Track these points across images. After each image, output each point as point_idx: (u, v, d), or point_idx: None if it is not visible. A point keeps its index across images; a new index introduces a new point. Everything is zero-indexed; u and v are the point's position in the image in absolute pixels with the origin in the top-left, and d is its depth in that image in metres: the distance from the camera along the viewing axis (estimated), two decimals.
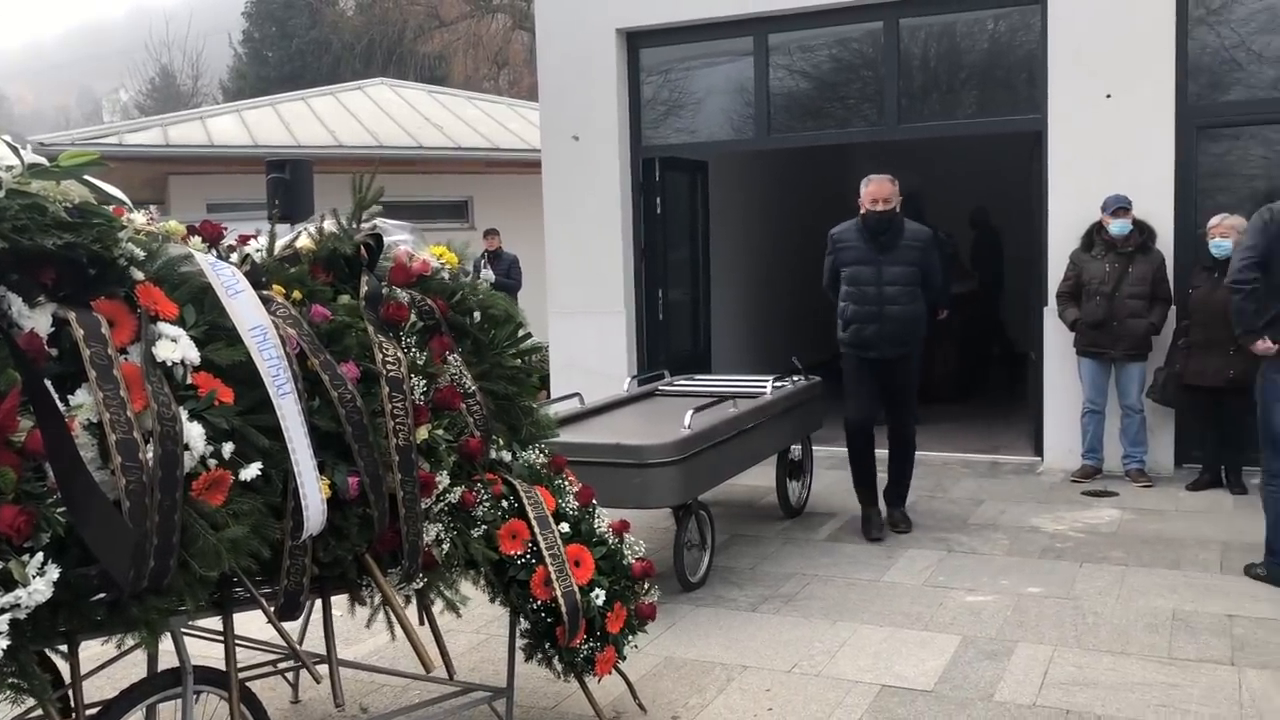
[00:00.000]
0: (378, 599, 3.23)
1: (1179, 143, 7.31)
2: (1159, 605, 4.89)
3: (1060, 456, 7.68)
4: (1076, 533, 6.11)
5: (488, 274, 11.99)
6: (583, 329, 9.04)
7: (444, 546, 3.25)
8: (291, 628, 3.34)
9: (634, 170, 9.07)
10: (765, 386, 6.25)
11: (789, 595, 5.21)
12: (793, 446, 6.59)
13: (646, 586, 3.78)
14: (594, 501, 3.76)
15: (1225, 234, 6.63)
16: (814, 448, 7.02)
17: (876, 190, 5.93)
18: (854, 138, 8.89)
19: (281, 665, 3.92)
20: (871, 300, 5.96)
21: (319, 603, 3.19)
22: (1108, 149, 7.44)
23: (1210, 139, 7.56)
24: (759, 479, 6.90)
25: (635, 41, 9.03)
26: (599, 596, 3.55)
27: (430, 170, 15.53)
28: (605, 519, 3.75)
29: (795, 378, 6.69)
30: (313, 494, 2.76)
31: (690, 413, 5.23)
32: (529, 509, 3.49)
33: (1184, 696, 3.95)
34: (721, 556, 5.78)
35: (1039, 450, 7.96)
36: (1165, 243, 7.25)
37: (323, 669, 3.15)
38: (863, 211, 6.04)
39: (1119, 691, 4.01)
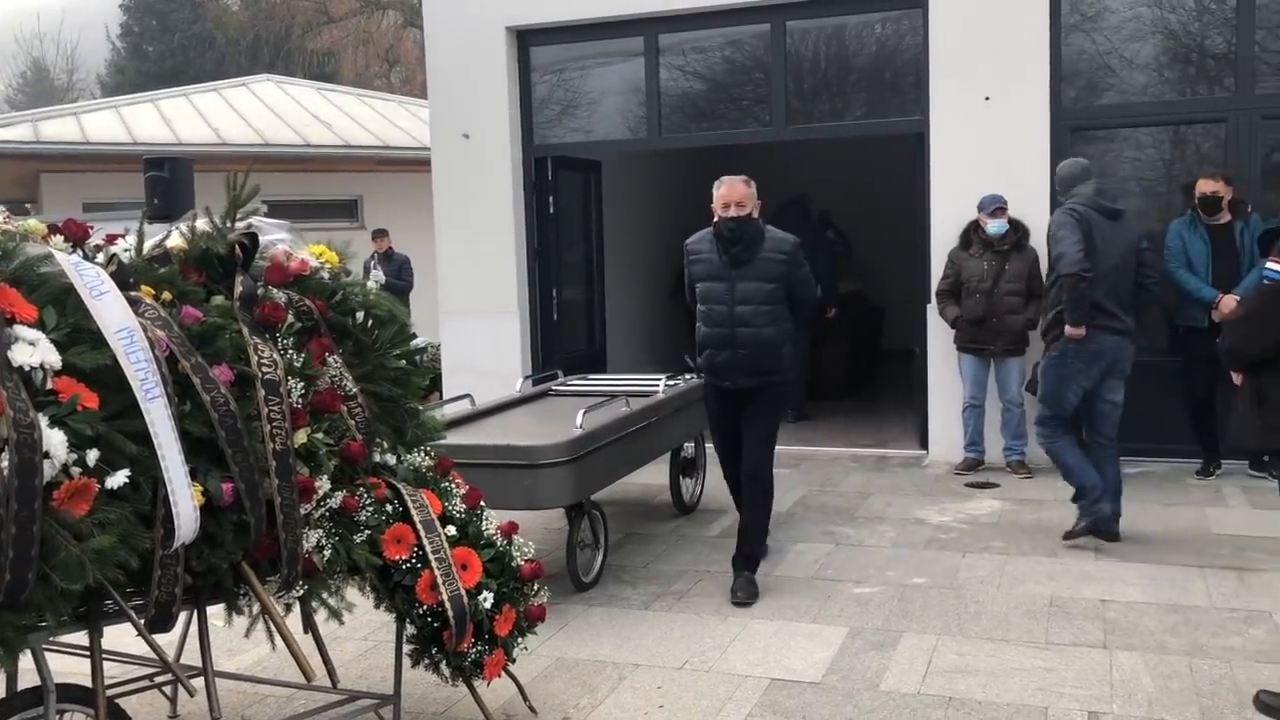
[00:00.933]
0: (256, 608, 3.15)
1: (1053, 144, 7.56)
2: (1037, 592, 5.05)
3: (944, 450, 7.88)
4: (960, 524, 6.28)
5: (378, 275, 11.79)
6: (475, 329, 8.96)
7: (325, 553, 3.18)
8: (170, 639, 3.23)
9: (526, 169, 9.02)
10: (658, 385, 6.27)
11: (681, 592, 5.24)
12: (685, 445, 6.62)
13: (536, 588, 3.76)
14: (482, 503, 3.72)
15: None
16: (706, 445, 7.06)
17: (728, 193, 5.10)
18: (744, 138, 8.98)
19: (158, 679, 3.79)
20: (723, 321, 5.14)
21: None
22: (986, 150, 7.66)
23: (1084, 141, 7.85)
24: (653, 477, 6.93)
25: (526, 40, 8.98)
26: (487, 599, 3.51)
27: (319, 169, 15.23)
28: (493, 521, 3.72)
29: (688, 376, 6.72)
30: (184, 501, 2.67)
31: (582, 412, 5.22)
32: (414, 512, 3.44)
33: (1059, 680, 4.09)
34: (615, 556, 5.78)
35: (924, 444, 8.15)
36: (1038, 240, 7.47)
37: (198, 682, 3.05)
38: (715, 219, 5.22)
39: (999, 677, 4.13)
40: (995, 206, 7.33)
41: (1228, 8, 7.44)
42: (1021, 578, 5.26)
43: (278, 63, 27.50)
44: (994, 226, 7.32)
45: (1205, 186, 6.85)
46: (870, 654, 4.39)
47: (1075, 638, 4.49)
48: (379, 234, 12.33)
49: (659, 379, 6.38)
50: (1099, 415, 5.84)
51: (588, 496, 5.28)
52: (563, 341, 9.31)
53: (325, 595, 3.33)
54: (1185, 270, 6.90)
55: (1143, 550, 5.62)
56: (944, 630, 4.62)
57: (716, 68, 8.84)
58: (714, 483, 7.20)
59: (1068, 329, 5.56)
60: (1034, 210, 7.51)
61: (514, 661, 3.70)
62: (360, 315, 3.62)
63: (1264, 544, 5.57)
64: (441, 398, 8.16)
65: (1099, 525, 5.64)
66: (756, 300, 5.08)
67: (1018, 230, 7.41)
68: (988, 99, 7.61)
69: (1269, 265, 3.73)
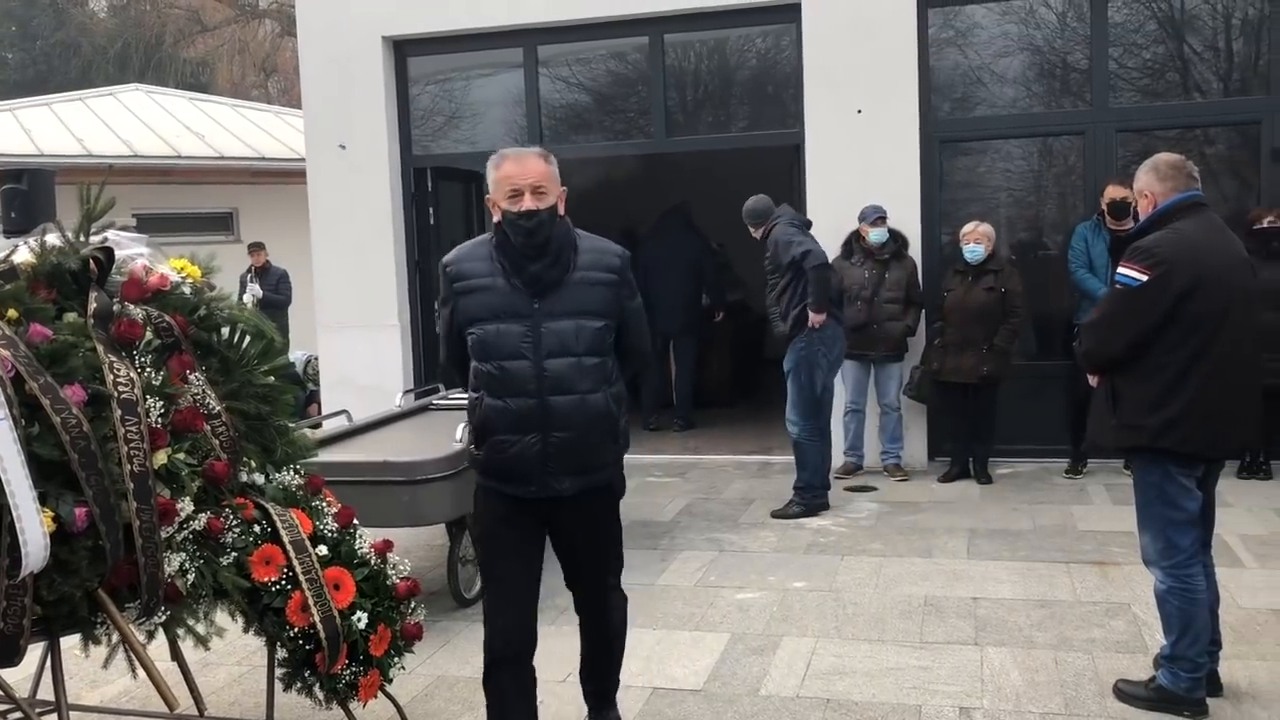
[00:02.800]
0: (116, 637, 3.03)
1: (923, 156, 7.79)
2: (912, 592, 5.18)
3: None
4: (839, 527, 6.40)
5: (254, 289, 11.51)
6: (355, 343, 8.80)
7: (189, 576, 3.08)
8: (27, 672, 3.09)
9: (405, 180, 8.91)
10: None
11: (565, 605, 5.16)
12: None
13: (412, 606, 3.70)
14: (355, 522, 3.66)
15: (979, 240, 7.12)
16: None
17: (517, 171, 3.15)
18: (625, 150, 9.04)
19: (11, 717, 3.61)
20: (520, 386, 3.16)
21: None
22: (861, 161, 7.84)
23: (956, 153, 8.12)
24: None
25: (403, 50, 8.88)
26: (361, 619, 3.45)
27: (191, 180, 14.77)
28: (367, 539, 3.65)
29: None
30: (32, 528, 2.56)
31: (462, 426, 5.16)
32: (283, 533, 3.36)
33: (933, 677, 4.19)
34: None
35: None
36: (915, 249, 7.69)
37: (52, 718, 2.92)
38: (495, 219, 3.28)
39: (875, 677, 4.21)
40: (876, 216, 7.50)
41: (1085, 25, 7.78)
42: (897, 579, 5.39)
43: (148, 72, 26.61)
44: (875, 235, 7.49)
45: (1115, 192, 7.08)
46: (751, 659, 4.44)
47: (948, 636, 4.61)
48: (255, 248, 12.03)
49: None
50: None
51: (469, 511, 5.21)
52: None
53: (190, 621, 3.23)
54: (1086, 271, 7.17)
55: (1012, 548, 5.81)
56: (823, 633, 4.70)
57: (598, 79, 8.87)
58: None
59: (813, 316, 6.48)
60: (907, 220, 7.72)
61: (391, 682, 3.63)
62: (226, 331, 3.53)
63: (1125, 539, 5.79)
64: (320, 413, 8.00)
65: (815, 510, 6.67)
66: (577, 348, 3.17)
67: (897, 239, 7.60)
68: (860, 112, 7.80)
69: (1120, 270, 3.89)
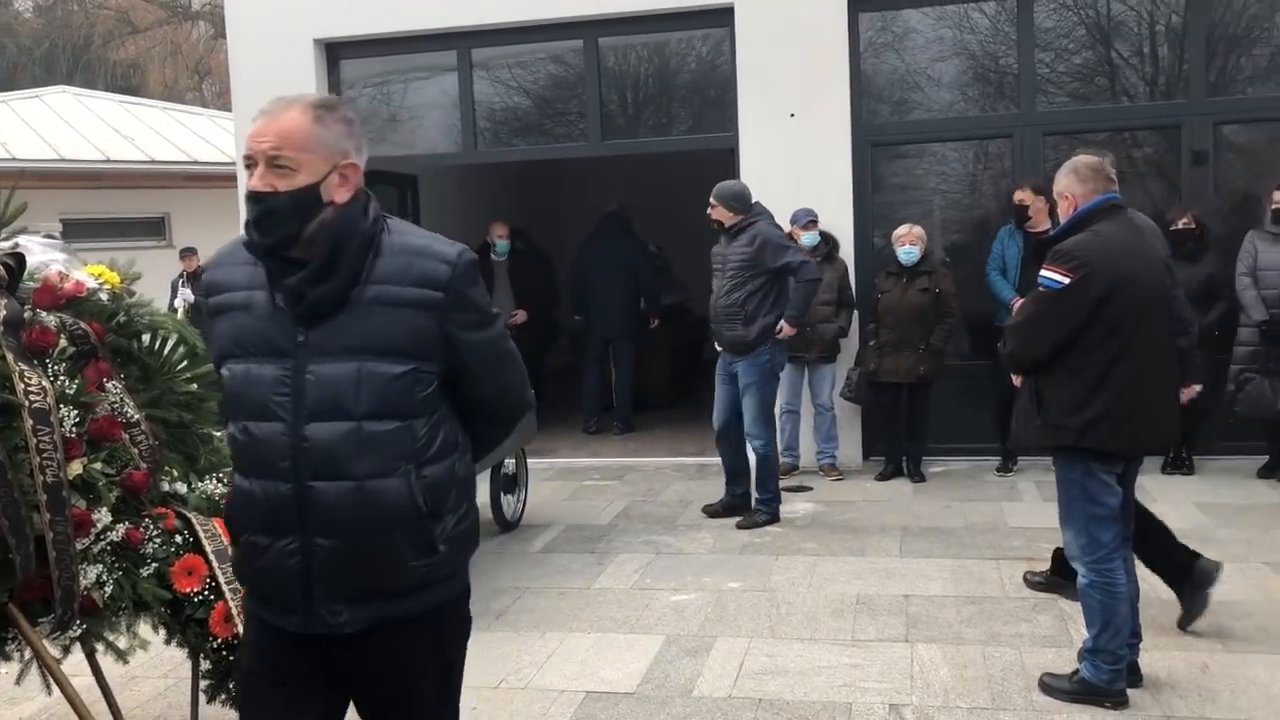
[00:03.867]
0: (29, 652, 2.96)
1: (854, 159, 7.87)
2: (845, 591, 5.22)
3: None
4: (775, 527, 6.44)
5: (186, 293, 11.33)
6: None
7: (106, 589, 3.02)
8: None
9: None
10: None
11: (500, 610, 5.19)
12: (506, 461, 6.57)
13: None
14: None
15: (913, 242, 7.21)
16: (529, 460, 7.04)
17: (255, 130, 2.20)
18: (561, 153, 9.04)
19: None
20: (269, 463, 2.17)
21: None
22: (794, 165, 7.90)
23: (893, 155, 8.22)
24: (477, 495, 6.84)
25: (335, 53, 8.79)
26: None
27: (122, 185, 14.49)
28: None
29: None
30: None
31: None
32: (205, 542, 3.30)
33: (864, 675, 4.24)
34: None
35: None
36: (846, 252, 7.77)
37: None
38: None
39: (807, 676, 4.25)
40: (808, 219, 7.56)
41: (1013, 30, 7.91)
42: (831, 577, 5.43)
43: (77, 74, 26.05)
44: (808, 238, 7.55)
45: (1016, 196, 7.23)
46: (685, 660, 4.45)
47: (879, 633, 4.66)
48: (187, 253, 11.83)
49: None
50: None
51: None
52: None
53: (109, 634, 3.17)
54: (998, 274, 7.28)
55: (944, 545, 5.89)
56: (756, 633, 4.72)
57: (533, 82, 8.85)
58: (538, 498, 7.21)
59: (788, 328, 6.46)
60: (839, 223, 7.79)
61: None
62: (147, 338, 3.47)
63: (1053, 535, 5.82)
64: None
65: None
66: (356, 407, 2.14)
67: (828, 242, 7.67)
68: (793, 115, 7.86)
69: (1043, 273, 3.96)
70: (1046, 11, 7.93)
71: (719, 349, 6.64)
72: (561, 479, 7.98)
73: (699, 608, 5.08)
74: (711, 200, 6.44)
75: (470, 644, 4.49)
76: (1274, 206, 6.84)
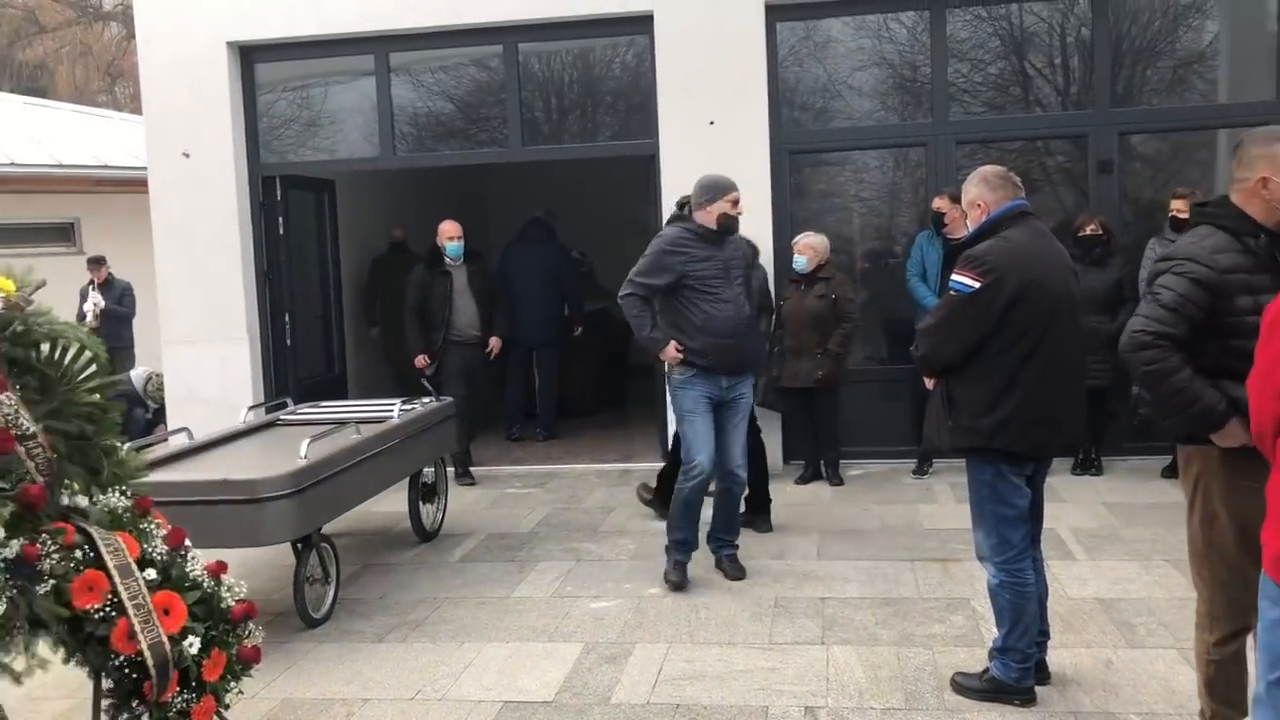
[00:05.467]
0: None
1: (774, 167, 7.95)
2: (763, 594, 5.26)
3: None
4: None
5: (96, 297, 11.02)
6: (202, 358, 8.49)
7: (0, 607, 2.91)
8: None
9: (253, 189, 8.66)
10: (392, 410, 6.14)
11: (418, 621, 5.13)
12: (425, 470, 6.51)
13: (249, 628, 3.58)
14: (187, 543, 3.52)
15: (803, 251, 7.32)
16: (448, 469, 6.98)
17: None
18: (480, 159, 8.98)
19: None
20: None
21: None
22: (714, 171, 7.91)
23: (816, 162, 8.31)
24: (393, 505, 6.79)
25: (249, 56, 8.63)
26: (193, 645, 3.31)
27: (27, 189, 14.04)
28: (200, 561, 3.52)
29: (426, 399, 6.63)
30: None
31: (307, 441, 5.04)
32: (107, 557, 3.20)
33: (780, 678, 4.27)
34: (350, 588, 5.61)
35: (665, 456, 8.32)
36: (766, 259, 7.83)
37: None
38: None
39: (725, 680, 4.27)
40: None
41: (929, 40, 8.05)
42: (750, 581, 5.47)
43: None
44: None
45: (934, 203, 7.38)
46: (604, 668, 4.45)
47: (796, 636, 4.70)
48: (94, 263, 11.43)
49: (394, 403, 6.25)
50: None
51: (315, 529, 5.09)
52: (298, 368, 8.98)
53: (3, 655, 3.05)
54: (918, 279, 7.40)
55: (860, 547, 5.96)
56: (675, 639, 4.74)
57: (453, 87, 8.78)
58: (458, 507, 7.15)
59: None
60: (760, 229, 7.84)
61: (228, 708, 3.50)
62: (47, 347, 3.36)
63: (967, 536, 5.93)
64: (166, 430, 7.71)
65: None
66: None
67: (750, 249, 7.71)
68: (712, 123, 7.91)
69: (954, 277, 4.03)
70: (961, 23, 8.09)
71: (718, 372, 5.40)
72: (483, 487, 7.93)
73: (619, 615, 5.08)
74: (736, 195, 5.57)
75: (385, 655, 4.45)
76: (1172, 214, 7.05)
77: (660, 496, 6.64)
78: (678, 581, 5.39)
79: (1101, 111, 7.91)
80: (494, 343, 8.24)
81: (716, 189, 5.48)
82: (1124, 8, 7.99)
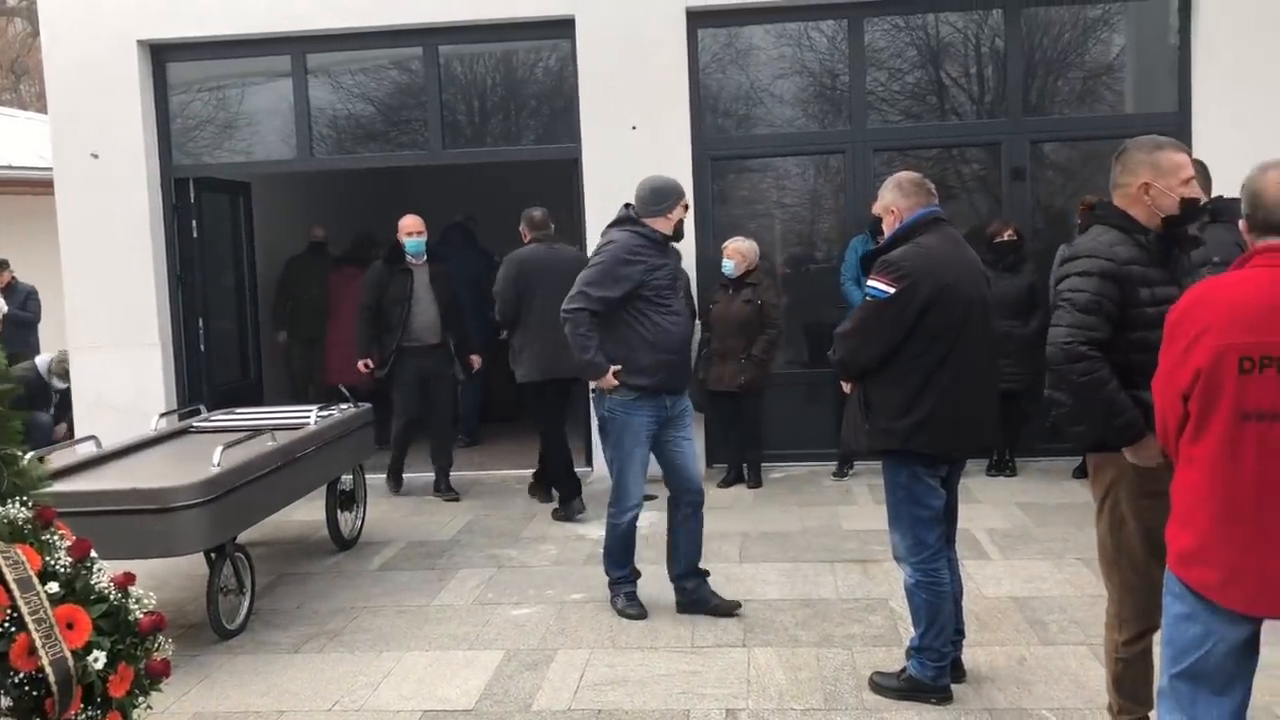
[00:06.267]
0: None
1: (696, 172, 7.98)
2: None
3: (606, 465, 8.06)
4: None
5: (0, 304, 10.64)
6: (112, 364, 8.26)
7: None
8: None
9: (165, 191, 8.45)
10: (309, 416, 6.03)
11: (335, 631, 5.04)
12: (343, 476, 6.40)
13: (158, 641, 3.48)
14: (92, 554, 3.41)
15: (731, 255, 7.37)
16: (367, 476, 6.88)
17: None
18: (399, 161, 8.87)
19: None
20: None
21: None
22: (636, 177, 7.85)
23: (740, 169, 8.37)
24: (312, 513, 6.67)
25: (161, 55, 8.42)
26: (98, 659, 3.21)
27: None
28: (106, 573, 3.41)
29: (344, 406, 6.53)
30: None
31: (220, 449, 4.93)
32: (6, 571, 3.09)
33: (702, 681, 4.28)
34: (266, 598, 5.50)
35: (589, 460, 8.32)
36: (689, 264, 7.85)
37: None
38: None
39: (646, 685, 4.26)
40: None
41: (846, 49, 8.16)
42: (670, 584, 5.46)
43: None
44: None
45: (874, 208, 7.43)
46: (525, 675, 4.41)
47: (718, 639, 4.72)
48: None
49: (310, 410, 6.14)
50: None
51: (229, 539, 4.97)
52: (213, 374, 8.78)
53: None
54: (853, 283, 7.49)
55: (781, 550, 6.01)
56: (597, 644, 4.72)
57: (372, 89, 8.67)
58: (377, 514, 7.05)
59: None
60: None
61: None
62: None
63: (884, 537, 6.01)
64: (72, 427, 7.50)
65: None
66: None
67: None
68: (634, 128, 7.92)
69: (870, 283, 4.08)
70: (879, 32, 8.22)
71: (663, 392, 5.01)
72: (403, 494, 7.82)
73: (540, 621, 5.05)
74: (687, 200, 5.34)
75: (302, 666, 4.38)
76: (1079, 221, 7.24)
77: (540, 483, 7.42)
78: (639, 613, 5.03)
79: (1014, 120, 8.10)
80: (475, 361, 7.81)
81: (673, 193, 5.09)
82: (1036, 20, 8.19)
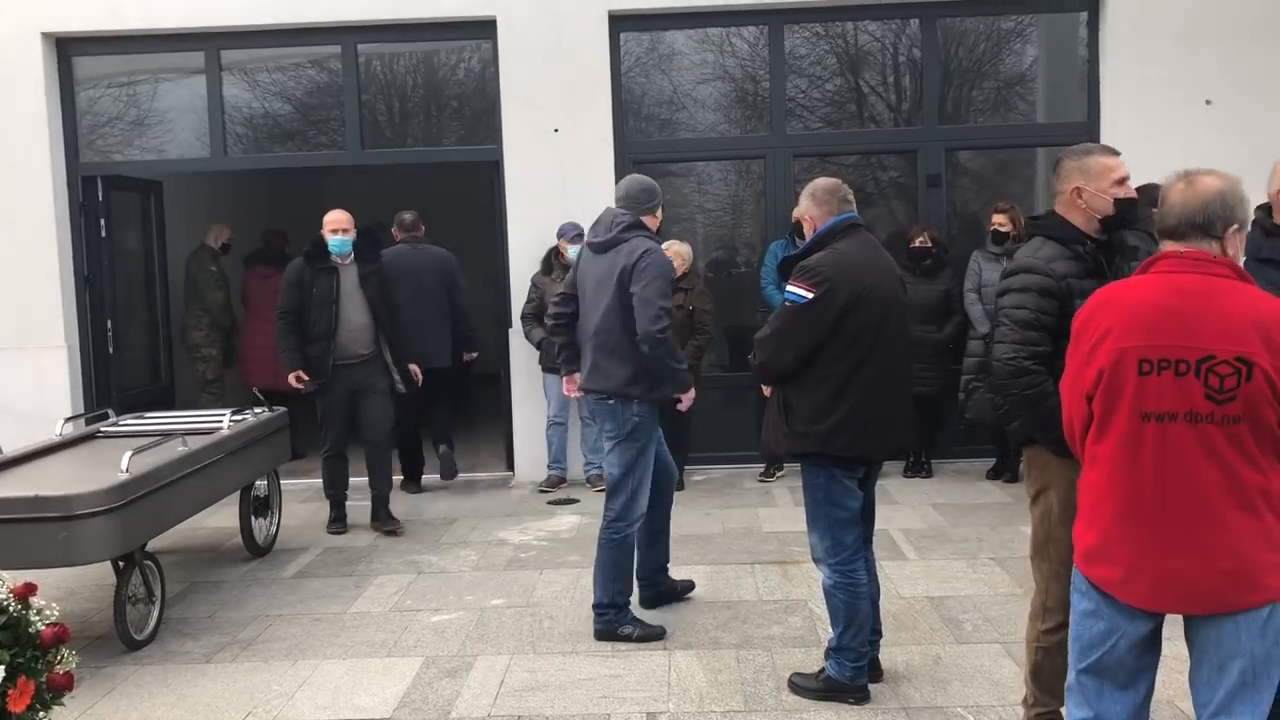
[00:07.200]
0: None
1: (618, 176, 7.96)
2: None
3: (529, 470, 8.06)
4: (540, 541, 6.42)
5: None
6: (15, 367, 7.98)
7: None
8: None
9: (72, 189, 8.20)
10: (222, 421, 5.90)
11: (248, 640, 4.93)
12: (258, 482, 6.27)
13: (62, 654, 3.37)
14: None
15: (672, 258, 7.35)
16: (283, 481, 6.75)
17: None
18: (316, 161, 8.72)
19: None
20: None
21: None
22: (559, 180, 7.94)
23: (661, 173, 8.34)
24: (224, 520, 6.53)
25: (66, 48, 8.17)
26: None
27: None
28: (6, 583, 3.29)
29: (258, 410, 6.39)
30: None
31: (129, 454, 4.79)
32: None
33: (623, 685, 4.27)
34: (176, 607, 5.36)
35: (510, 465, 8.28)
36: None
37: None
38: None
39: (567, 690, 4.24)
40: (575, 233, 7.60)
41: (766, 55, 8.23)
42: (591, 588, 5.44)
43: None
44: (575, 252, 7.59)
45: (795, 212, 7.50)
46: (444, 682, 4.36)
47: (639, 642, 4.71)
48: None
49: (224, 414, 6.01)
50: None
51: (138, 546, 4.84)
52: (122, 378, 8.54)
53: None
54: (774, 288, 7.53)
55: (703, 552, 6.04)
56: (518, 649, 4.69)
57: (289, 88, 8.51)
58: (294, 520, 6.93)
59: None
60: None
61: None
62: None
63: (804, 539, 6.09)
64: None
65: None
66: None
67: None
68: (556, 130, 7.90)
69: (789, 288, 4.12)
70: (800, 39, 8.31)
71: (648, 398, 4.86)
72: (319, 500, 7.64)
73: (460, 627, 4.99)
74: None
75: (214, 676, 4.28)
76: (994, 228, 7.40)
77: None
78: (655, 632, 4.75)
79: (931, 128, 8.25)
80: (415, 370, 7.05)
81: (659, 190, 4.98)
82: (952, 31, 8.35)
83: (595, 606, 4.81)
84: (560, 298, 5.07)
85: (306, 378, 6.59)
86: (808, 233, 4.19)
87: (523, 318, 7.88)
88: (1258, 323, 2.49)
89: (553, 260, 7.77)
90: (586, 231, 5.19)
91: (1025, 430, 3.40)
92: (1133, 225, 3.44)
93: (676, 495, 7.32)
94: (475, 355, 8.18)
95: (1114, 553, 2.64)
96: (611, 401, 4.79)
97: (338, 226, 6.61)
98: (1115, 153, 3.45)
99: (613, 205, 4.96)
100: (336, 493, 6.88)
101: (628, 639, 4.71)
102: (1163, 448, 2.55)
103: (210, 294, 8.92)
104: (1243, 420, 2.49)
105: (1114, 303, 2.67)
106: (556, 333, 5.11)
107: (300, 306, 6.56)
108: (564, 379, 5.33)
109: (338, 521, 6.86)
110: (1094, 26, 8.05)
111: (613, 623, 4.76)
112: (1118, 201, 3.34)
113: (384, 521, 6.79)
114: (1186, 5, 7.77)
